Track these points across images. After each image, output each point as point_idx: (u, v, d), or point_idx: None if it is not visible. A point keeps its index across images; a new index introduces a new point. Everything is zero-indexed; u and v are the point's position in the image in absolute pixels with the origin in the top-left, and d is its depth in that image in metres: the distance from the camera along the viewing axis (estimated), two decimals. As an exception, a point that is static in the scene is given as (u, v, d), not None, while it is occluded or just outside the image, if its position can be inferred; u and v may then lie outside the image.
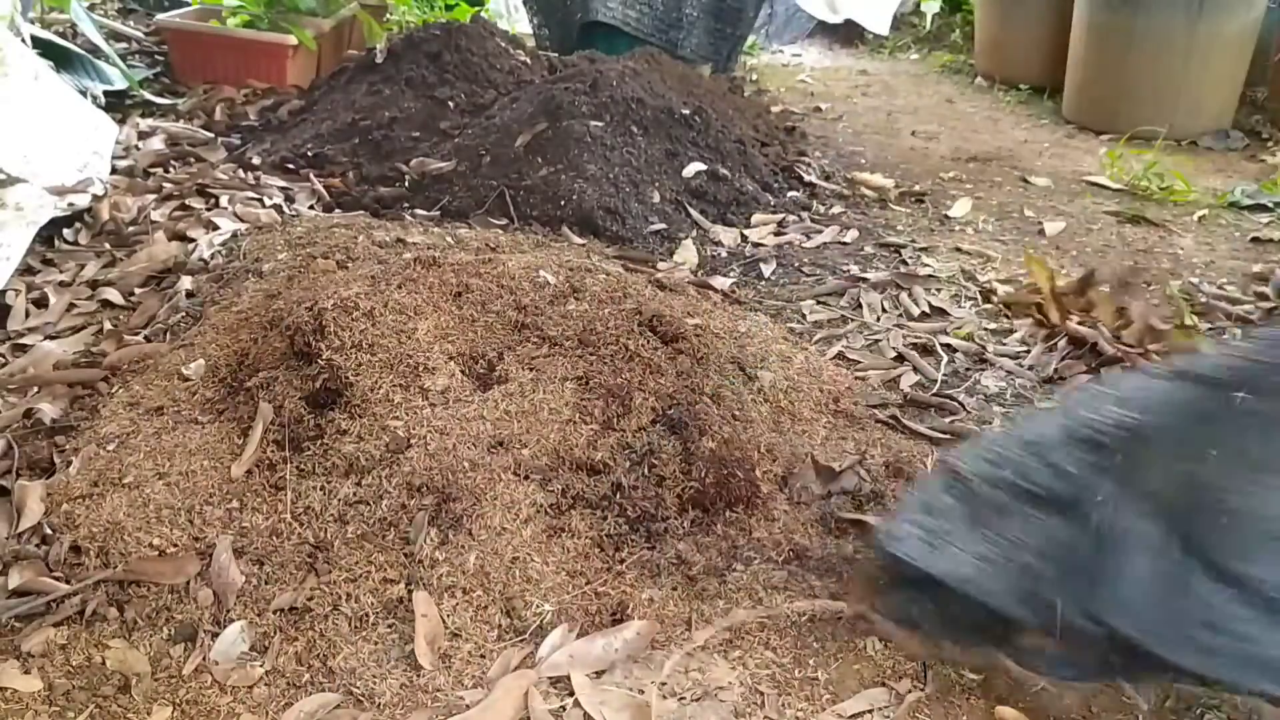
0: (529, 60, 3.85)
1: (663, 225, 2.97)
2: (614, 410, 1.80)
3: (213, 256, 2.59)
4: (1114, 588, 1.39)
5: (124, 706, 1.43)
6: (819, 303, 2.62)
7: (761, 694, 1.48)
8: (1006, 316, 2.55)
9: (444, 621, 1.54)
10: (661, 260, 2.81)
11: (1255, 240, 3.17)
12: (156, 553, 1.63)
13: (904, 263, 2.88)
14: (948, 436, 2.07)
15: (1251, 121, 4.27)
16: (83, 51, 3.87)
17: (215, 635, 1.51)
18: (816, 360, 2.24)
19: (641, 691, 1.46)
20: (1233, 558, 1.36)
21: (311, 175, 3.18)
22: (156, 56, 4.51)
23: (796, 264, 2.87)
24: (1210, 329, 2.49)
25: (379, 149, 3.33)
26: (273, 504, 1.70)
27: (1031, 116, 4.58)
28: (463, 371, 1.88)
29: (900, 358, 2.38)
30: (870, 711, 1.47)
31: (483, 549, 1.61)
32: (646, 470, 1.74)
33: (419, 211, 2.99)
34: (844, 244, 3.04)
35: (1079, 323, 2.06)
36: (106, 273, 2.59)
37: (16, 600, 1.56)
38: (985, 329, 2.51)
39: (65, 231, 2.78)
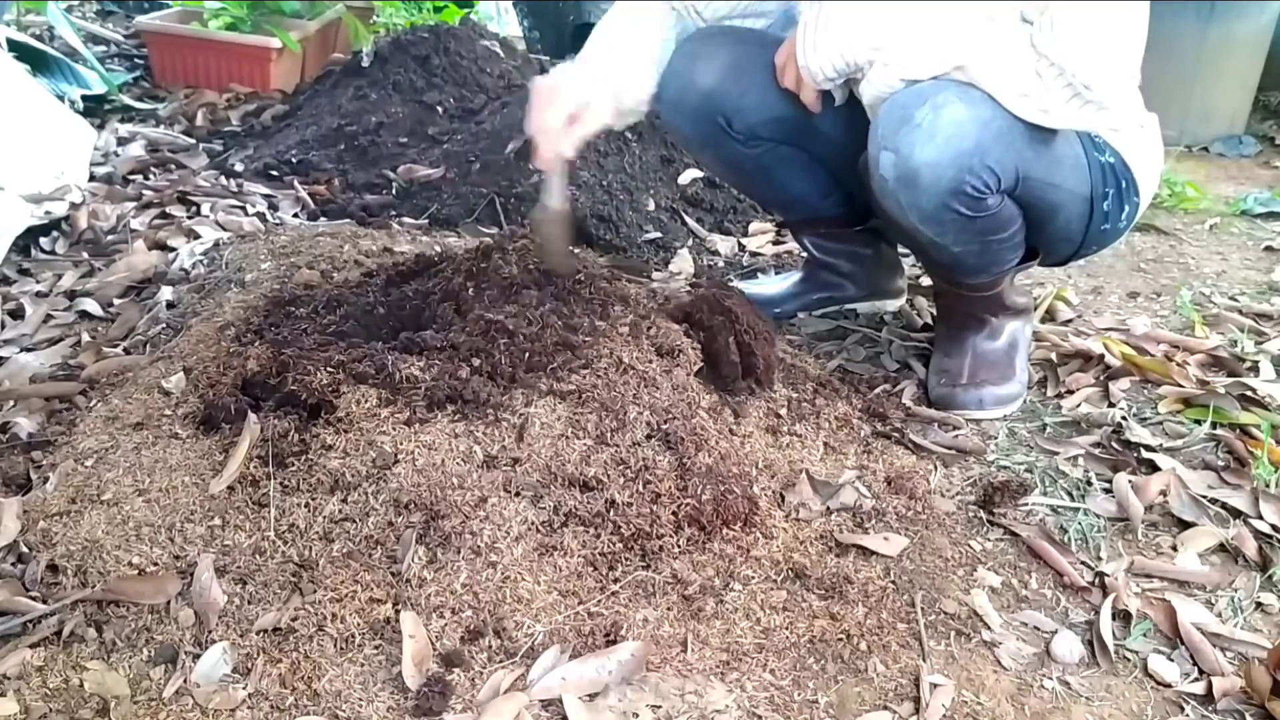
0: (519, 64, 3.83)
1: (658, 234, 2.94)
2: (607, 425, 1.76)
3: (194, 266, 2.56)
4: None
5: (102, 731, 1.39)
6: (818, 314, 2.59)
7: (760, 717, 1.45)
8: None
9: (432, 643, 1.50)
10: (657, 269, 2.79)
11: (1269, 249, 3.14)
12: (136, 572, 1.59)
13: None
14: (951, 451, 2.05)
15: (1265, 127, 4.24)
16: (60, 55, 3.83)
17: (197, 657, 1.48)
18: (816, 372, 2.21)
19: (636, 715, 1.43)
20: None
21: (296, 182, 3.15)
22: (136, 60, 4.47)
23: (794, 273, 2.84)
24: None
25: (365, 155, 3.30)
26: (256, 521, 1.66)
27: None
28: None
29: (902, 370, 2.35)
30: (871, 735, 1.45)
31: (472, 568, 1.57)
32: (641, 486, 1.70)
33: (406, 219, 2.96)
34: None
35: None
36: (85, 283, 2.56)
37: (-9, 621, 1.53)
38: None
39: (42, 240, 2.75)
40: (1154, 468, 1.98)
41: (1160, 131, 2.12)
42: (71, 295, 2.51)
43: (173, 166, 3.32)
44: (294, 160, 3.30)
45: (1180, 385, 2.22)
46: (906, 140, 1.84)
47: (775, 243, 3.02)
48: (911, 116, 1.83)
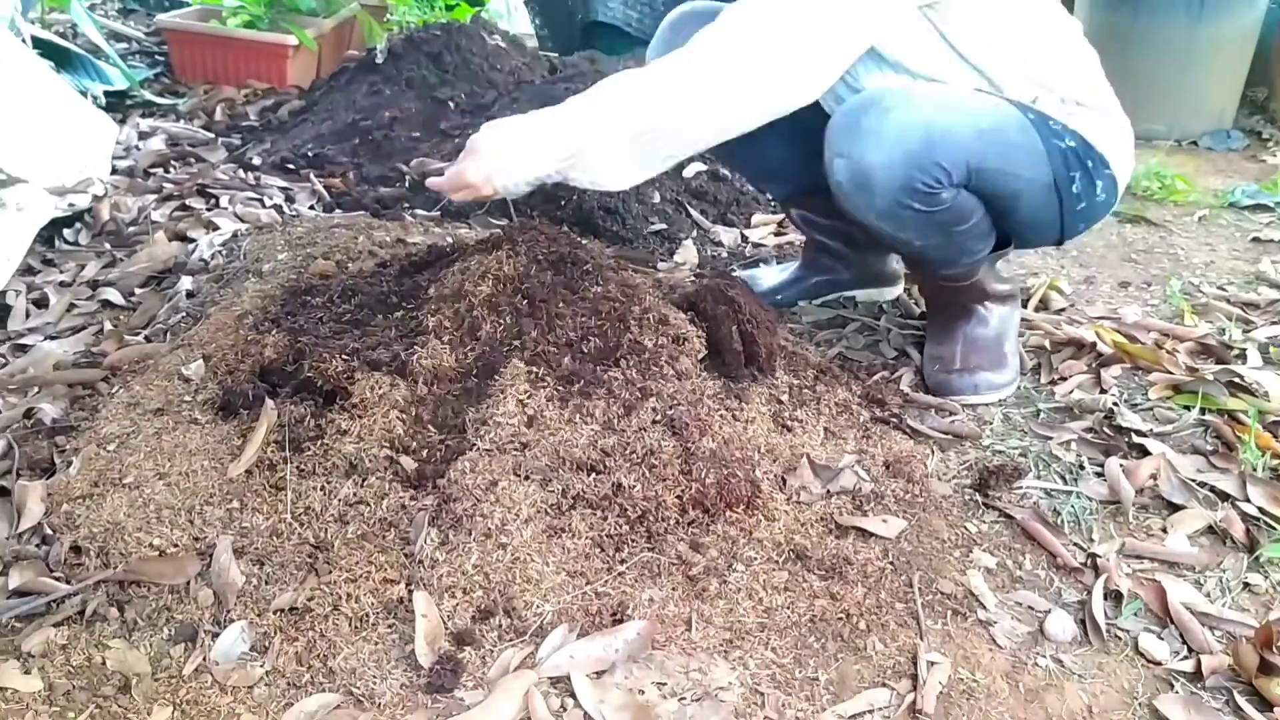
0: (529, 60, 3.85)
1: (663, 225, 2.97)
2: (615, 411, 1.80)
3: (213, 257, 2.59)
4: None
5: (124, 706, 1.43)
6: (818, 303, 2.61)
7: (762, 694, 1.48)
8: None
9: (444, 622, 1.53)
10: (662, 260, 2.81)
11: (1255, 240, 3.17)
12: (157, 553, 1.63)
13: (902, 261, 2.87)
14: (947, 436, 2.07)
15: (1252, 122, 4.26)
16: (83, 51, 3.88)
17: (215, 635, 1.51)
18: (816, 359, 2.23)
19: (642, 692, 1.45)
20: None
21: (312, 175, 3.18)
22: (157, 57, 4.52)
23: (796, 264, 2.86)
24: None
25: (379, 149, 3.33)
26: (273, 504, 1.70)
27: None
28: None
29: (900, 357, 2.38)
30: (870, 712, 1.47)
31: (483, 549, 1.60)
32: (647, 470, 1.73)
33: (419, 212, 2.99)
34: (843, 244, 3.02)
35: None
36: (107, 273, 2.60)
37: (17, 600, 1.56)
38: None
39: (65, 232, 2.79)
40: (1144, 452, 2.00)
41: (1118, 102, 2.14)
42: (94, 285, 2.54)
43: (192, 160, 3.36)
44: (310, 154, 3.33)
45: (1170, 372, 2.24)
46: (857, 145, 1.89)
47: (777, 234, 3.04)
48: (859, 122, 1.89)
